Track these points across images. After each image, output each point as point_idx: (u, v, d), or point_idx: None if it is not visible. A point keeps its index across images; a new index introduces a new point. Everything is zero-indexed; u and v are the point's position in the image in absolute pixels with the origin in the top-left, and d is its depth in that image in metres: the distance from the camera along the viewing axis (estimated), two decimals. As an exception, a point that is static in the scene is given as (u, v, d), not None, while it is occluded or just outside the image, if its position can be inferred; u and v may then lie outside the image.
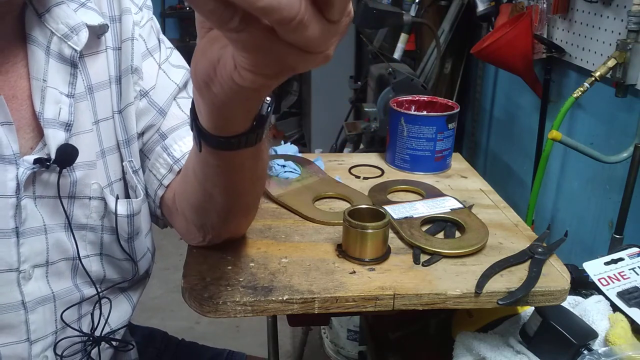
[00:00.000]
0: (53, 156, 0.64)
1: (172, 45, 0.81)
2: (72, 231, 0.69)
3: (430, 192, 0.90)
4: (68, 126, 0.66)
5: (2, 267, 0.64)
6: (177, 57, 0.81)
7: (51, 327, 0.69)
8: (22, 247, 0.64)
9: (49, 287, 0.68)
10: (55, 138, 0.64)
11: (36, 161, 0.63)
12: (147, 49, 0.75)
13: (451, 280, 0.67)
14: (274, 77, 0.39)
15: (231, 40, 0.37)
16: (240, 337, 2.12)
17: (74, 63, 0.66)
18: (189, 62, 0.80)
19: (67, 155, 0.65)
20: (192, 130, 0.54)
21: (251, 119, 0.51)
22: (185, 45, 4.19)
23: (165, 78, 0.77)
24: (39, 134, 0.65)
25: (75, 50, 0.66)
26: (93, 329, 0.74)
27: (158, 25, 0.79)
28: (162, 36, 0.80)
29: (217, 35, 0.42)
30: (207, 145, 0.52)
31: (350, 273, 0.68)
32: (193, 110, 0.53)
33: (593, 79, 1.38)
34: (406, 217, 0.79)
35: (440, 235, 0.77)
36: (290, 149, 1.03)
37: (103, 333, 0.75)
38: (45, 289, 0.68)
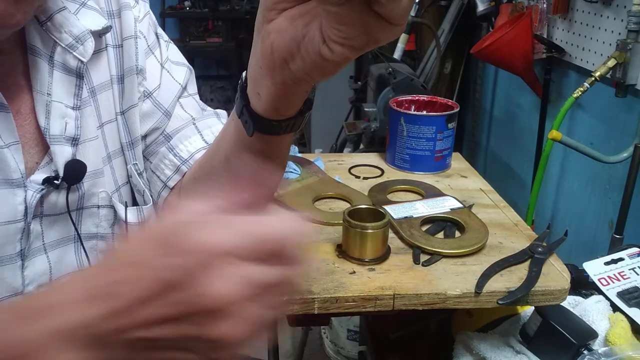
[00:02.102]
0: (61, 173, 0.61)
1: (168, 38, 0.79)
2: (82, 243, 0.67)
3: (430, 192, 0.90)
4: (75, 140, 0.63)
5: (7, 292, 0.61)
6: (176, 52, 0.79)
7: None
8: (26, 269, 0.62)
9: None
10: (62, 154, 0.62)
11: (44, 180, 0.61)
12: (148, 46, 0.73)
13: (451, 280, 0.67)
14: (360, 49, 0.41)
15: (329, 13, 0.39)
16: (240, 337, 2.12)
17: (79, 74, 0.63)
18: (188, 61, 0.80)
19: (75, 172, 0.63)
20: (239, 115, 0.54)
21: (304, 100, 0.52)
22: (185, 45, 4.18)
23: (170, 78, 0.75)
24: (44, 148, 0.62)
25: (82, 62, 0.63)
26: None
27: (154, 19, 0.76)
28: (159, 30, 0.77)
29: (297, 13, 0.43)
30: (259, 129, 0.53)
31: (350, 273, 0.68)
32: (244, 95, 0.53)
33: (593, 79, 1.38)
34: (406, 217, 0.79)
35: (440, 235, 0.77)
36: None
37: None
38: None
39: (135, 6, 0.71)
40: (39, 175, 0.61)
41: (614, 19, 1.44)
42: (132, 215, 0.70)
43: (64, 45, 0.62)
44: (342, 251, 0.71)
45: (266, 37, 0.46)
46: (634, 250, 0.87)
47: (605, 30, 1.48)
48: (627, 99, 1.41)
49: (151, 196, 0.75)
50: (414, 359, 0.84)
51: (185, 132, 0.74)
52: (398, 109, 1.00)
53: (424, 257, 0.71)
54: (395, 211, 0.80)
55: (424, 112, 1.05)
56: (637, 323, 0.75)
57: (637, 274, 0.83)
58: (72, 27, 0.62)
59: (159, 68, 0.74)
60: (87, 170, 0.64)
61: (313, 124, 3.13)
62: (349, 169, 1.00)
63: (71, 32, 0.62)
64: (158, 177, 0.74)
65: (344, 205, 0.85)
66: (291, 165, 0.94)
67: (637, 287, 0.81)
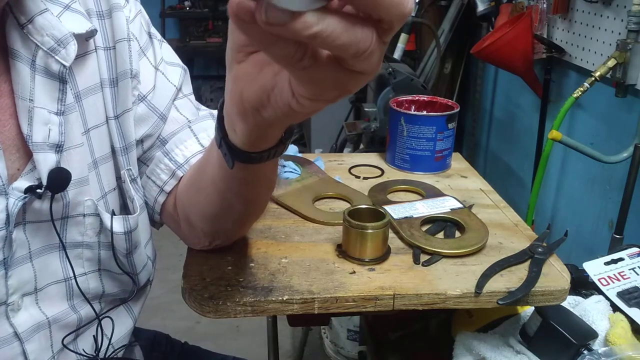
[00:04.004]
0: (44, 182, 0.59)
1: (161, 37, 0.77)
2: (66, 252, 0.65)
3: (430, 192, 0.90)
4: (59, 147, 0.61)
5: None
6: (169, 52, 0.77)
7: (47, 353, 0.66)
8: (10, 278, 0.60)
9: (41, 313, 0.64)
10: (45, 162, 0.59)
11: (27, 190, 0.58)
12: (140, 47, 0.71)
13: (451, 280, 0.67)
14: (331, 101, 0.40)
15: (296, 75, 0.38)
16: (240, 337, 2.12)
17: (62, 79, 0.60)
18: (185, 62, 0.79)
19: (59, 180, 0.60)
20: (219, 146, 0.53)
21: (283, 132, 0.52)
22: (185, 46, 4.19)
23: (164, 81, 0.73)
24: (26, 154, 0.60)
25: (64, 66, 0.60)
26: (97, 350, 0.71)
27: (147, 17, 0.74)
28: (152, 29, 0.75)
29: (264, 59, 0.42)
30: (238, 160, 0.52)
31: (350, 273, 0.68)
32: (221, 127, 0.52)
33: (593, 79, 1.38)
34: (406, 217, 0.79)
35: (440, 235, 0.77)
36: (290, 149, 1.02)
37: (107, 353, 0.72)
38: (38, 316, 0.64)
39: (125, 6, 0.69)
40: (22, 183, 0.59)
41: (614, 19, 1.44)
42: (118, 224, 0.68)
43: (45, 49, 0.59)
44: (342, 251, 0.71)
45: (235, 83, 0.45)
46: (634, 250, 0.87)
47: (605, 30, 1.48)
48: (627, 99, 1.41)
49: (145, 203, 0.73)
50: (414, 359, 0.84)
51: (181, 136, 0.73)
52: (398, 109, 1.00)
53: (424, 257, 0.71)
54: (395, 211, 0.80)
55: (424, 112, 1.05)
56: (637, 323, 0.75)
57: (637, 274, 0.83)
58: (54, 29, 0.60)
59: (153, 70, 0.73)
60: (72, 179, 0.62)
61: (313, 124, 3.13)
62: (349, 169, 1.00)
63: (53, 35, 0.60)
64: (154, 182, 0.72)
65: (344, 205, 0.85)
66: (291, 165, 0.94)
67: (637, 287, 0.81)
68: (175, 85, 0.74)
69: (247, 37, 0.38)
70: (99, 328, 0.71)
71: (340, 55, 0.34)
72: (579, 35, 1.60)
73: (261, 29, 0.32)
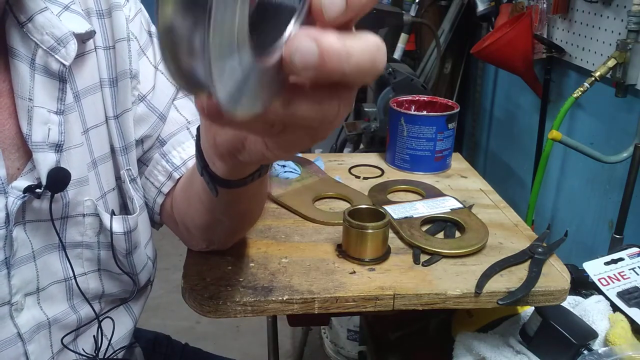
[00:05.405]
0: (44, 181, 0.59)
1: None
2: (65, 252, 0.65)
3: (430, 192, 0.90)
4: (58, 147, 0.60)
5: None
6: None
7: (47, 353, 0.66)
8: (13, 278, 0.60)
9: (43, 313, 0.64)
10: (45, 161, 0.59)
11: (26, 189, 0.58)
12: (140, 47, 0.70)
13: (451, 280, 0.67)
14: (307, 147, 0.41)
15: (267, 141, 0.39)
16: (241, 337, 2.12)
17: (62, 78, 0.60)
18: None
19: (59, 180, 0.60)
20: (201, 174, 0.53)
21: None
22: (185, 45, 4.19)
23: (164, 80, 0.73)
24: (26, 153, 0.60)
25: (64, 65, 0.60)
26: (97, 350, 0.70)
27: (147, 16, 0.73)
28: (152, 28, 0.73)
29: None
30: (221, 186, 0.52)
31: (350, 273, 0.68)
32: (202, 157, 0.51)
33: (593, 79, 1.38)
34: (406, 217, 0.79)
35: (440, 235, 0.77)
36: (290, 149, 1.02)
37: (106, 353, 0.71)
38: (39, 316, 0.64)
39: (125, 5, 0.68)
40: (21, 182, 0.59)
41: (614, 19, 1.44)
42: (117, 224, 0.68)
43: (45, 48, 0.59)
44: (342, 251, 0.71)
45: (208, 128, 0.46)
46: (634, 250, 0.87)
47: (605, 30, 1.48)
48: (627, 99, 1.41)
49: (145, 204, 0.73)
50: (414, 359, 0.84)
51: (179, 138, 0.72)
52: (398, 109, 1.00)
53: (424, 257, 0.71)
54: (395, 211, 0.80)
55: (424, 112, 1.05)
56: (637, 323, 0.76)
57: (637, 274, 0.84)
58: (54, 28, 0.59)
59: (152, 69, 0.72)
60: (72, 178, 0.62)
61: (313, 124, 3.13)
62: (349, 169, 1.00)
63: (53, 33, 0.59)
64: (152, 183, 0.72)
65: (344, 205, 0.85)
66: (291, 165, 0.94)
67: (637, 287, 0.81)
68: (175, 85, 0.74)
69: (218, 126, 0.40)
70: (99, 328, 0.71)
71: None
72: (579, 35, 1.60)
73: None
